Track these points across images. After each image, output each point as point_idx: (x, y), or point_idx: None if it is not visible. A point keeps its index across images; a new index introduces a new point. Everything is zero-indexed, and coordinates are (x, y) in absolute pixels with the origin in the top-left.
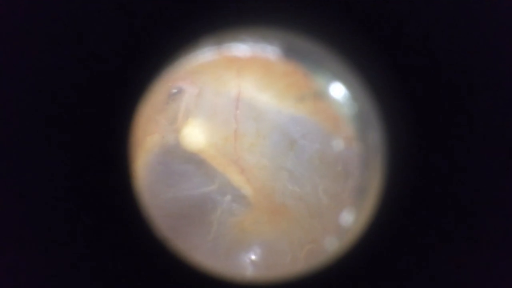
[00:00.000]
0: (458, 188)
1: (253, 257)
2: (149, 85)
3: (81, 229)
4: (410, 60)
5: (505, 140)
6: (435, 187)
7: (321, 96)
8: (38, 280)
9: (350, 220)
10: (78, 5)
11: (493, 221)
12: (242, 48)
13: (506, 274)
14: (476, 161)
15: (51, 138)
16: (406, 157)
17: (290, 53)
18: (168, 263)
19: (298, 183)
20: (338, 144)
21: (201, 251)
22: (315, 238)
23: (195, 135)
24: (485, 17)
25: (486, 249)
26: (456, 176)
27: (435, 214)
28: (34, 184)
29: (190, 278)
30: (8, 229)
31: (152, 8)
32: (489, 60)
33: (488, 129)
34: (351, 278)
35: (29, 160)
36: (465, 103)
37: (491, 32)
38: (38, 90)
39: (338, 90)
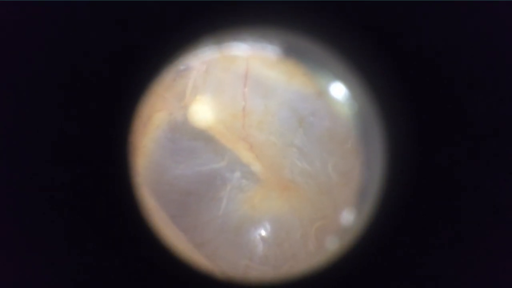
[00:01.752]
0: (458, 188)
1: (263, 233)
2: (148, 86)
3: (78, 225)
4: (410, 60)
5: (505, 140)
6: (435, 187)
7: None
8: (37, 272)
9: (351, 220)
10: (80, 5)
11: (494, 221)
12: (242, 48)
13: (507, 274)
14: (476, 160)
15: (51, 129)
16: (406, 157)
17: (290, 53)
18: (167, 261)
19: (307, 160)
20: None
21: (210, 228)
22: (326, 215)
23: (203, 112)
24: (485, 18)
25: (486, 249)
26: (456, 175)
27: (435, 213)
28: (33, 174)
29: (189, 277)
30: (6, 226)
31: (151, 8)
32: (489, 60)
33: (489, 129)
34: (351, 278)
35: (29, 144)
36: (466, 103)
37: (491, 32)
38: (41, 83)
39: (338, 90)
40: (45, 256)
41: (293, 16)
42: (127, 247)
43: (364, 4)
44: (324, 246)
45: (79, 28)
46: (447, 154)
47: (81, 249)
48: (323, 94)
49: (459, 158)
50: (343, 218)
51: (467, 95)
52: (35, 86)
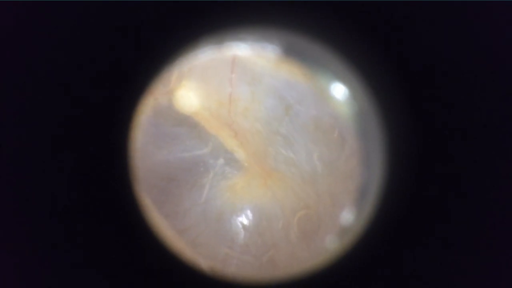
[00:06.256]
0: (458, 188)
1: (244, 221)
2: (148, 86)
3: (78, 224)
4: (410, 60)
5: (505, 140)
6: (435, 187)
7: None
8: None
9: (351, 219)
10: (80, 5)
11: (494, 221)
12: (242, 48)
13: (507, 274)
14: (476, 161)
15: (52, 129)
16: (406, 157)
17: (290, 53)
18: (167, 262)
19: (292, 148)
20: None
21: (192, 215)
22: (308, 205)
23: (188, 97)
24: (485, 18)
25: (487, 249)
26: (457, 176)
27: (436, 213)
28: (32, 171)
29: (186, 276)
30: (5, 227)
31: (151, 8)
32: (489, 60)
33: (489, 129)
34: (351, 278)
35: (30, 141)
36: (466, 103)
37: (491, 32)
38: (39, 83)
39: (338, 90)
40: (41, 247)
41: (293, 16)
42: (126, 243)
43: (364, 4)
44: (306, 236)
45: (79, 27)
46: (447, 153)
47: (77, 242)
48: (311, 80)
49: (459, 158)
50: (343, 218)
51: (467, 95)
52: (33, 87)
